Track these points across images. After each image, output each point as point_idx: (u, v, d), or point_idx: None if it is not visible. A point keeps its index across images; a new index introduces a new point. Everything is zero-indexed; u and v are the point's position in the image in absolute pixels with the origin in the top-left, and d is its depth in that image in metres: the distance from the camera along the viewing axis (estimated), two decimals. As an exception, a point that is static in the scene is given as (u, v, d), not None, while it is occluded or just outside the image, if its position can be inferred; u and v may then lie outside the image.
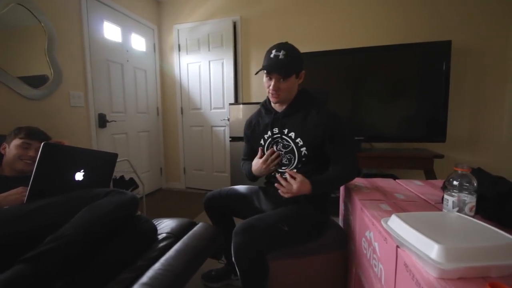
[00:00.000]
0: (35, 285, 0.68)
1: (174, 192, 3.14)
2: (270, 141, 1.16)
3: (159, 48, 3.18)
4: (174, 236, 1.05)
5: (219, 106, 2.98)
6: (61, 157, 1.00)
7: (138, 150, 2.87)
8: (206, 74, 3.00)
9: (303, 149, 1.07)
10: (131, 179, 2.09)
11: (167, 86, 3.22)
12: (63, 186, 1.00)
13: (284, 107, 1.13)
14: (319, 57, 2.32)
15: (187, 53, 3.07)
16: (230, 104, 2.57)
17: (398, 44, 2.15)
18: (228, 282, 1.33)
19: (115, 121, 2.51)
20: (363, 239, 0.89)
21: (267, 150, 1.17)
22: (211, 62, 2.97)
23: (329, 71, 2.31)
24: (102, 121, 2.37)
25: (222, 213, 1.29)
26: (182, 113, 3.18)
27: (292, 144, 1.10)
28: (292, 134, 1.09)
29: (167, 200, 2.86)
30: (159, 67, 3.18)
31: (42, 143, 0.92)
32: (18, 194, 1.00)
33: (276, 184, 1.05)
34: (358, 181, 1.27)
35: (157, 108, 3.19)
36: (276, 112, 1.15)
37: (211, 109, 3.03)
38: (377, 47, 2.19)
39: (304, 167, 1.09)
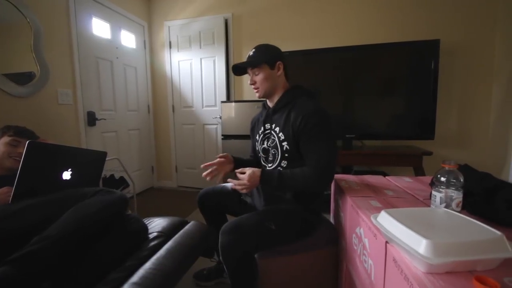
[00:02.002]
0: (21, 286, 0.67)
1: (165, 191, 3.11)
2: (262, 136, 1.17)
3: (150, 45, 3.13)
4: (165, 235, 1.04)
5: (211, 104, 2.96)
6: (47, 156, 0.97)
7: (129, 149, 2.82)
8: (197, 72, 2.97)
9: (285, 143, 1.06)
10: (122, 178, 2.06)
11: (158, 83, 3.17)
12: (50, 186, 0.97)
13: (275, 102, 1.13)
14: (311, 55, 2.33)
15: (178, 51, 3.03)
16: (222, 102, 2.55)
17: (388, 43, 2.17)
18: (220, 281, 1.33)
19: (105, 119, 2.46)
20: (354, 235, 0.90)
21: (260, 145, 1.17)
22: (202, 60, 2.94)
23: (320, 69, 2.32)
24: (91, 119, 2.32)
25: (216, 211, 1.29)
26: (173, 111, 3.15)
27: (276, 139, 1.09)
28: (277, 129, 1.09)
29: (158, 199, 2.83)
30: (150, 64, 3.14)
31: (27, 142, 0.89)
32: (3, 194, 0.97)
33: (231, 185, 1.04)
34: (349, 178, 1.28)
35: (148, 106, 3.14)
36: (269, 108, 1.16)
37: (203, 107, 3.01)
38: (367, 45, 2.21)
39: (289, 165, 1.07)
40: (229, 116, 2.49)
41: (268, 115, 1.15)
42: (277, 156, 1.10)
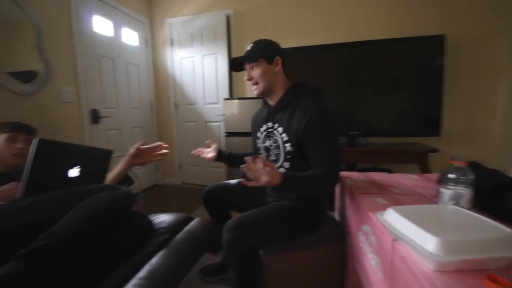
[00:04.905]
0: (29, 281, 0.67)
1: (170, 188, 3.13)
2: (264, 135, 1.16)
3: (151, 43, 3.12)
4: (171, 231, 1.04)
5: (213, 101, 2.96)
6: (56, 153, 0.98)
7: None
8: (199, 69, 2.97)
9: (287, 145, 1.04)
10: (126, 175, 2.06)
11: (161, 81, 3.17)
12: (57, 182, 0.98)
13: (276, 100, 1.11)
14: (314, 52, 2.31)
15: (180, 48, 3.02)
16: (225, 99, 2.54)
17: (393, 38, 2.15)
18: (226, 276, 1.33)
19: (108, 116, 2.47)
20: (360, 232, 0.89)
21: (262, 143, 1.17)
22: (204, 57, 2.93)
23: (324, 66, 2.31)
24: (95, 117, 2.33)
25: (220, 207, 1.30)
26: (176, 108, 3.15)
27: (279, 140, 1.08)
28: (280, 129, 1.07)
29: (163, 196, 2.84)
30: (152, 61, 3.13)
31: (38, 139, 0.90)
32: (10, 189, 0.98)
33: (243, 167, 0.85)
34: (354, 175, 1.27)
35: (151, 104, 3.15)
36: (270, 106, 1.14)
37: (205, 104, 3.00)
38: (371, 41, 2.18)
39: (292, 168, 1.06)
40: (232, 114, 2.49)
41: (270, 113, 1.13)
42: (279, 157, 1.09)
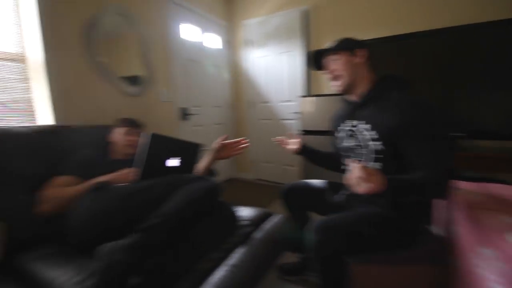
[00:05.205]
0: (146, 252, 0.79)
1: (244, 182, 3.28)
2: (345, 134, 1.08)
3: (230, 45, 3.31)
4: (254, 224, 1.08)
5: (288, 99, 2.95)
6: (163, 145, 1.13)
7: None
8: (274, 68, 3.01)
9: (378, 143, 0.94)
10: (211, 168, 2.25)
11: (238, 80, 3.34)
12: (160, 170, 1.13)
13: (360, 95, 1.02)
14: (402, 41, 2.04)
15: (255, 48, 3.12)
16: (301, 96, 2.50)
17: (494, 21, 1.71)
18: (303, 277, 1.31)
19: (195, 114, 2.74)
20: (476, 256, 0.74)
21: (344, 143, 1.09)
22: (279, 55, 2.95)
23: (414, 56, 2.02)
24: (184, 114, 2.62)
25: (299, 206, 1.28)
26: (251, 106, 3.27)
27: (365, 138, 0.98)
28: (367, 126, 0.97)
29: (238, 190, 3.00)
30: (231, 62, 3.32)
31: (152, 133, 1.06)
32: (126, 174, 1.17)
33: (352, 165, 0.79)
34: (465, 186, 1.07)
35: (229, 102, 3.36)
36: (353, 102, 1.06)
37: (280, 102, 3.03)
38: (476, 24, 1.78)
39: (385, 169, 0.93)
40: (308, 111, 2.43)
41: (352, 110, 1.05)
42: (366, 157, 0.99)
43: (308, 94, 2.81)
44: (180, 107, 2.60)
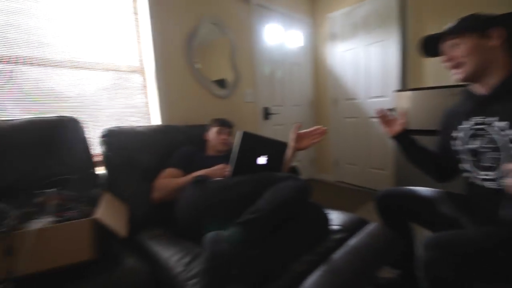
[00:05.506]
0: (244, 246, 0.81)
1: (324, 184, 3.14)
2: (469, 134, 0.88)
3: (313, 41, 3.21)
4: (348, 230, 0.99)
5: (379, 95, 2.66)
6: (253, 143, 1.17)
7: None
8: (362, 60, 2.75)
9: None
10: (294, 167, 2.24)
11: (320, 77, 3.22)
12: (250, 167, 1.17)
13: (492, 86, 0.82)
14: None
15: (341, 41, 2.92)
16: (396, 91, 2.21)
17: None
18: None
19: (275, 113, 2.78)
20: None
21: (466, 144, 0.89)
22: (368, 46, 2.68)
23: None
24: (266, 113, 2.68)
25: (398, 216, 1.11)
26: (334, 103, 3.10)
27: (499, 138, 0.79)
28: (502, 124, 0.79)
29: (319, 192, 2.89)
30: (313, 59, 3.23)
31: (243, 132, 1.11)
32: (220, 169, 1.26)
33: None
34: None
35: (310, 100, 3.27)
36: (479, 95, 0.86)
37: (368, 99, 2.76)
38: None
39: None
40: (406, 108, 2.12)
41: (480, 104, 0.86)
42: (500, 161, 0.80)
43: (405, 87, 2.46)
44: (263, 106, 2.67)
